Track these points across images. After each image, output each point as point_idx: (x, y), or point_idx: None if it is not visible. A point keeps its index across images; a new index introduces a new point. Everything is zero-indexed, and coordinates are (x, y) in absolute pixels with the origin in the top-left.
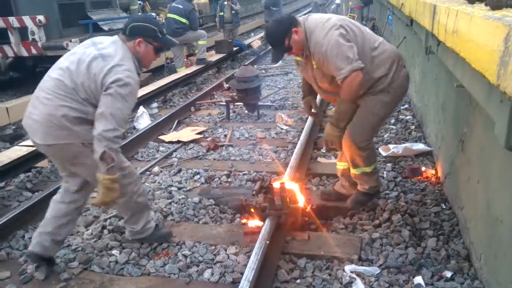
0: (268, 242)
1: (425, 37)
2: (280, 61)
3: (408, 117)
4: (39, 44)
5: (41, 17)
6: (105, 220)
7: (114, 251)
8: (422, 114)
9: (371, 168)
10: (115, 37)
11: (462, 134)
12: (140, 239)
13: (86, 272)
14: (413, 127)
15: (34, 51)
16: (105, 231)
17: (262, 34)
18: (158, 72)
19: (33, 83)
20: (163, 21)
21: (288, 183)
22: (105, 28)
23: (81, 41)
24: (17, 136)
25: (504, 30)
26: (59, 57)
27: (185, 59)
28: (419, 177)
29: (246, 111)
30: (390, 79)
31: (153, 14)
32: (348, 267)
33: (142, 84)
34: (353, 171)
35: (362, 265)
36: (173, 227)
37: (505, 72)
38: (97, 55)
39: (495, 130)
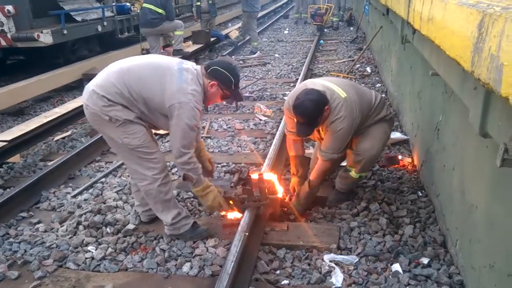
0: (247, 234)
1: (401, 26)
2: (258, 52)
3: None
4: (9, 35)
5: (10, 7)
6: (80, 215)
7: (90, 247)
8: (398, 103)
9: (365, 174)
10: (199, 67)
11: (438, 122)
12: (177, 236)
13: (61, 269)
14: None
15: (3, 43)
16: (81, 227)
17: (240, 24)
18: None
19: (3, 76)
20: (138, 11)
21: (267, 174)
22: (78, 18)
23: (52, 32)
24: None
25: (478, 17)
26: (30, 48)
27: (162, 50)
28: (396, 166)
29: (224, 102)
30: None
31: (128, 4)
32: (327, 257)
33: None
34: (354, 175)
35: (341, 254)
36: (149, 221)
37: (479, 58)
38: (178, 70)
39: (469, 117)
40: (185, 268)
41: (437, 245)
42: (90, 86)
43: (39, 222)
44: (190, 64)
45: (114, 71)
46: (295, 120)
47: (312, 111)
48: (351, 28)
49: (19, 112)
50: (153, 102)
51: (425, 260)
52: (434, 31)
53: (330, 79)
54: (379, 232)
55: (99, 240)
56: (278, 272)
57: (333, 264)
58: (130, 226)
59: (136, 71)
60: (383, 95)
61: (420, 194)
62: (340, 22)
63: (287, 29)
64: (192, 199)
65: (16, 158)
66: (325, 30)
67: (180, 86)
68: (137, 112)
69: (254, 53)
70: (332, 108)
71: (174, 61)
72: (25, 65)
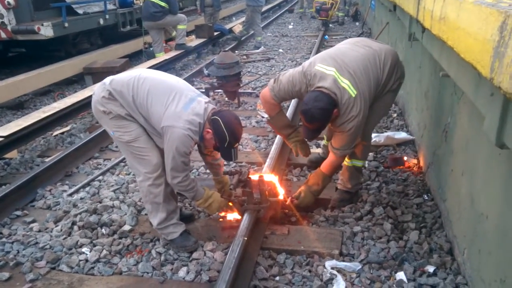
0: (246, 238)
1: (409, 23)
2: (262, 47)
3: None
4: (9, 27)
5: None
6: (75, 215)
7: (84, 249)
8: (404, 102)
9: (362, 163)
10: (212, 107)
11: (446, 124)
12: (167, 240)
13: (54, 271)
14: (395, 115)
15: (3, 35)
16: (75, 227)
17: (244, 18)
18: (136, 57)
19: (5, 69)
20: (141, 4)
21: (267, 176)
22: (80, 11)
23: (53, 25)
24: None
25: (499, 18)
26: (30, 41)
27: (164, 44)
28: (401, 167)
29: (226, 99)
30: (399, 75)
31: None
32: (328, 263)
33: (118, 70)
34: (346, 162)
35: (343, 261)
36: (147, 222)
37: (500, 64)
38: (190, 98)
39: (484, 125)
40: (182, 272)
41: (443, 253)
42: (108, 78)
43: (33, 221)
44: (206, 99)
45: (134, 75)
46: (303, 123)
47: (320, 120)
48: (357, 24)
49: (18, 106)
50: (152, 119)
51: (430, 269)
52: (447, 32)
53: (343, 59)
54: (383, 237)
55: (94, 242)
56: (277, 278)
57: (335, 272)
58: (126, 227)
59: (149, 84)
60: (393, 51)
61: (426, 198)
62: (346, 17)
63: (291, 23)
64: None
65: (13, 154)
66: (330, 25)
67: (182, 111)
68: (140, 120)
69: (258, 48)
70: (341, 110)
71: (193, 90)
72: (27, 58)
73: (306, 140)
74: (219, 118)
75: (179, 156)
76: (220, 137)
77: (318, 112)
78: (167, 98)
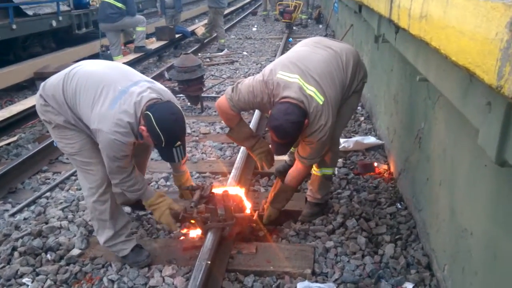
0: (209, 262)
1: (377, 24)
2: (226, 49)
3: None
4: None
5: None
6: (17, 239)
7: (25, 279)
8: (371, 105)
9: (331, 171)
10: (147, 97)
11: (419, 130)
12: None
13: None
14: (362, 118)
15: None
16: (16, 254)
17: (206, 20)
18: None
19: None
20: (97, 5)
21: (233, 189)
22: (29, 12)
23: None
24: None
25: (507, 13)
26: None
27: (123, 47)
28: (372, 173)
29: (188, 104)
30: (362, 75)
31: None
32: (300, 285)
33: None
34: (315, 171)
35: (316, 281)
36: (98, 244)
37: None
38: (121, 91)
39: (479, 139)
40: None
41: (421, 267)
42: (44, 82)
43: None
44: (140, 88)
45: (65, 72)
46: (273, 139)
47: (293, 133)
48: (320, 26)
49: None
50: (83, 120)
51: (409, 286)
52: (430, 31)
53: (305, 64)
54: (357, 253)
55: (37, 270)
56: None
57: None
58: (75, 252)
59: (77, 80)
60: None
61: (399, 206)
62: (309, 20)
63: (255, 26)
64: (149, 216)
65: None
66: (294, 27)
67: (107, 110)
68: (80, 126)
69: (222, 50)
70: (310, 119)
71: (128, 79)
72: None
73: (271, 151)
74: (151, 114)
75: (111, 161)
76: (154, 137)
77: (290, 126)
78: (94, 95)
